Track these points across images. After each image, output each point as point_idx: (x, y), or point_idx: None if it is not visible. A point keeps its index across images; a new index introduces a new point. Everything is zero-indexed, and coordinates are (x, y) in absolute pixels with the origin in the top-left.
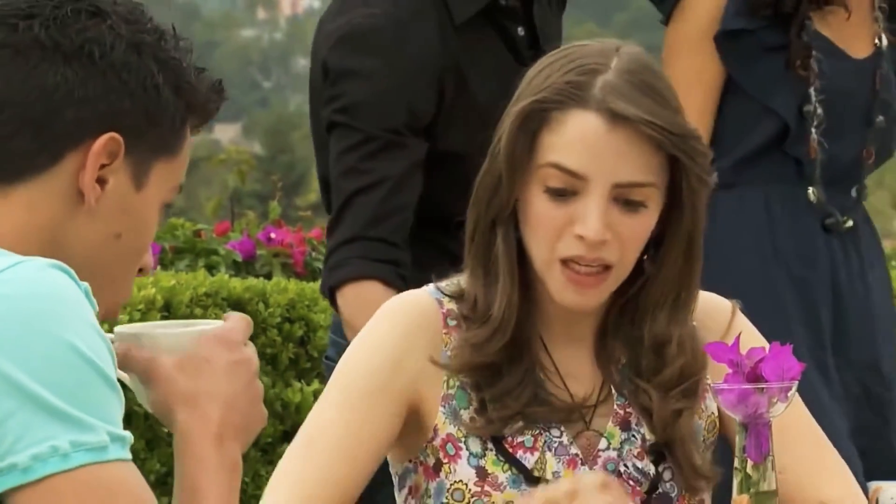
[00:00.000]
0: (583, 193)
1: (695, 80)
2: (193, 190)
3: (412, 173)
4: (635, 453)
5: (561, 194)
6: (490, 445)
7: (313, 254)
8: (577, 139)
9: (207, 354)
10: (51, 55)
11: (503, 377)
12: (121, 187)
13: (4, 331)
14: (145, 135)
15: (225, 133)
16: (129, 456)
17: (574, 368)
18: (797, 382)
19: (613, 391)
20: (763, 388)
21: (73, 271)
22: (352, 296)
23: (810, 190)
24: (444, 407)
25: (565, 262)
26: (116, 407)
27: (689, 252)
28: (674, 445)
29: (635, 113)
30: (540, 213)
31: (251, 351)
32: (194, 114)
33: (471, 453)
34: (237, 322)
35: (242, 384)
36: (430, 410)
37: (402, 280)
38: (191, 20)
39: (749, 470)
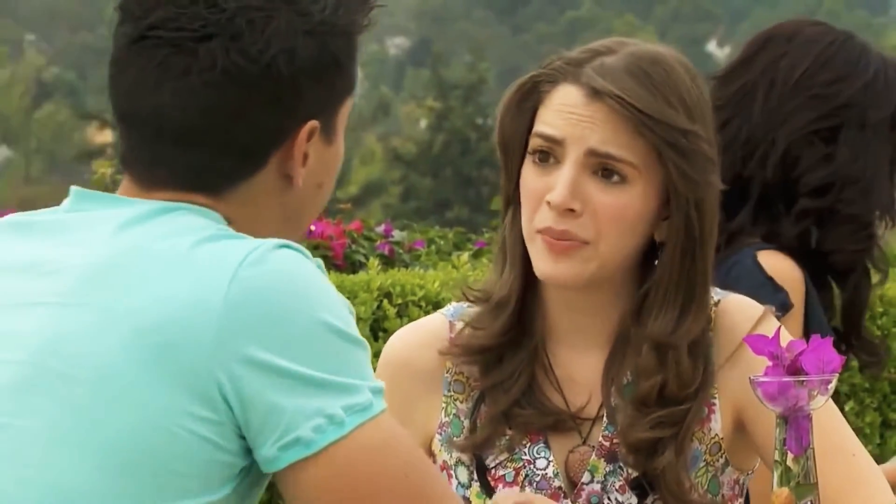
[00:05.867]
0: (562, 162)
1: None
2: None
3: None
4: (618, 486)
5: (544, 160)
6: (475, 476)
7: (353, 246)
8: (558, 108)
9: None
10: (238, 81)
11: (502, 364)
12: (318, 150)
13: (262, 322)
14: (330, 100)
15: None
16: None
17: (579, 376)
18: (837, 375)
19: (605, 419)
20: (803, 381)
21: (301, 247)
22: None
23: None
24: (441, 434)
25: (541, 233)
26: (365, 359)
27: (686, 254)
28: (656, 480)
29: (609, 88)
30: (525, 183)
31: None
32: (356, 40)
33: (459, 482)
34: None
35: None
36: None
37: None
38: None
39: (790, 463)
